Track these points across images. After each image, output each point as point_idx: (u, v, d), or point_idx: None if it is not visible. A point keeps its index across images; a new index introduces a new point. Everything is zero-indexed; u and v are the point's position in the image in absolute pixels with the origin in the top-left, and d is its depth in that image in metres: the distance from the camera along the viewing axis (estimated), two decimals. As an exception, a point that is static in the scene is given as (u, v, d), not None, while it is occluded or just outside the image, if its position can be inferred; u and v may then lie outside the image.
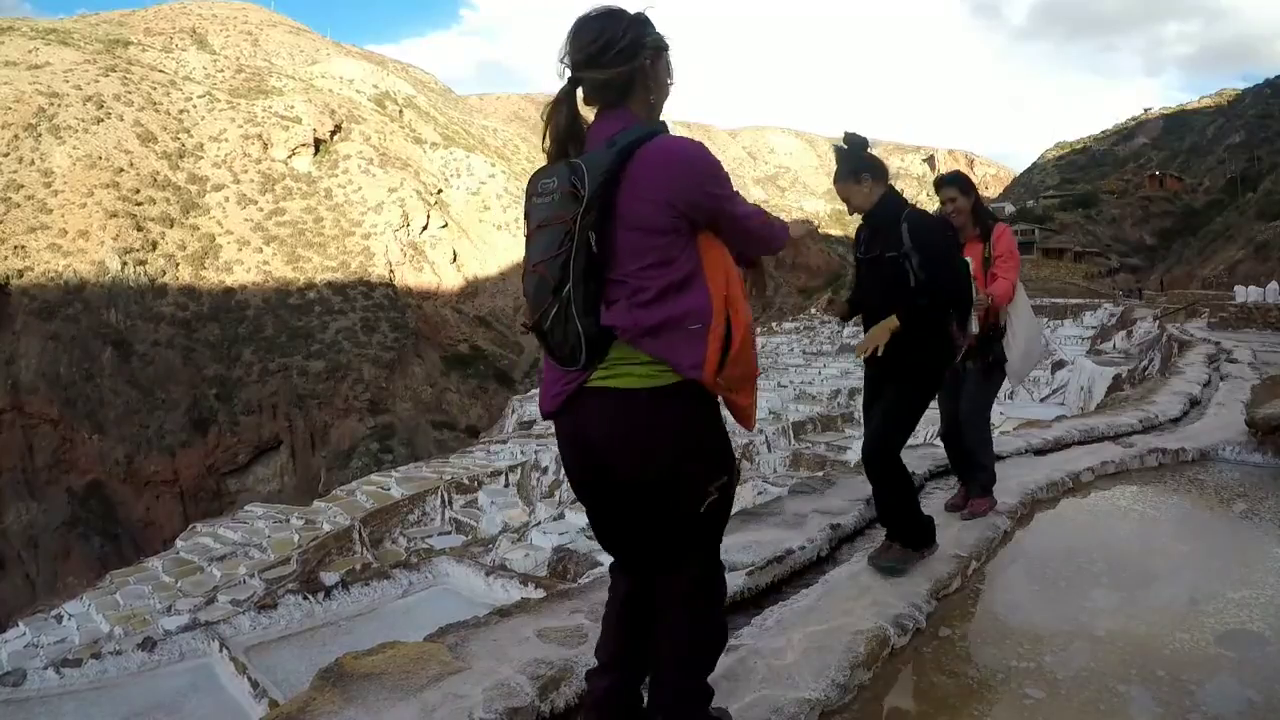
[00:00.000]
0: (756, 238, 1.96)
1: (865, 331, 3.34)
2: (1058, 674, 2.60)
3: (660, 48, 1.91)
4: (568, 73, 1.89)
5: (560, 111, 1.89)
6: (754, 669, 2.44)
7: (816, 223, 2.47)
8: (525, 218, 1.90)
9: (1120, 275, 63.03)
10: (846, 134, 3.39)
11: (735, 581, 3.05)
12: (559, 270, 1.76)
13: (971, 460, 4.13)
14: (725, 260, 1.87)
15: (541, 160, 1.95)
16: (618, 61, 1.85)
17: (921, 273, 3.19)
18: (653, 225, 1.78)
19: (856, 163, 3.35)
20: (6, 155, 61.91)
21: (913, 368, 3.27)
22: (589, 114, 1.93)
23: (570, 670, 2.41)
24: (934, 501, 4.31)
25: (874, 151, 3.48)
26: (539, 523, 17.17)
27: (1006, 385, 4.88)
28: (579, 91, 1.90)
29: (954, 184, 4.03)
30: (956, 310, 3.36)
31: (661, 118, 1.96)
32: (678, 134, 1.88)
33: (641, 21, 1.89)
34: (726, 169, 1.92)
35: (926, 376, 3.33)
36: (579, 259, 1.74)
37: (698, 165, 1.82)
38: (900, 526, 3.36)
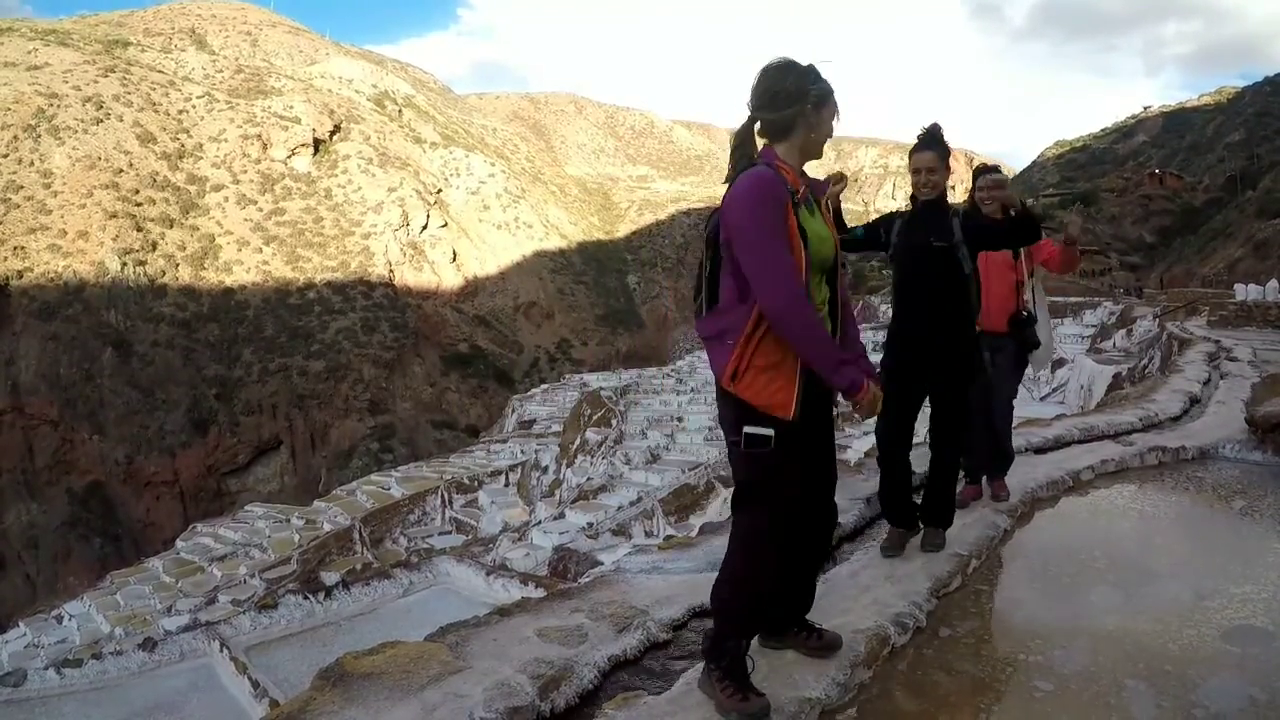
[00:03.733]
0: (754, 286, 2.23)
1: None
2: (1063, 670, 2.60)
3: (823, 97, 2.34)
4: (748, 111, 2.37)
5: (740, 142, 2.36)
6: (755, 668, 2.44)
7: None
8: None
9: (1117, 273, 62.84)
10: (934, 124, 3.56)
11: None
12: (694, 285, 2.42)
13: (998, 446, 4.35)
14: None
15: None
16: (783, 106, 2.31)
17: (973, 263, 3.51)
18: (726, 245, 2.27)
19: (945, 150, 3.53)
20: (6, 156, 61.88)
21: (966, 363, 3.51)
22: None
23: (571, 670, 2.40)
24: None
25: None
26: (539, 522, 17.14)
27: None
28: (756, 126, 2.38)
29: (998, 173, 4.32)
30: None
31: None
32: (757, 168, 2.29)
33: (809, 73, 2.33)
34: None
35: (970, 366, 3.57)
36: (704, 277, 2.37)
37: (734, 194, 2.26)
38: (949, 511, 3.63)
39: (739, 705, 2.17)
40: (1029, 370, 4.59)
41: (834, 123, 2.39)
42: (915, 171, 3.54)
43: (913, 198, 3.61)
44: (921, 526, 3.60)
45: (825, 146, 2.43)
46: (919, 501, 3.65)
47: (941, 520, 3.59)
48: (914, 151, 3.55)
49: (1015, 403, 4.44)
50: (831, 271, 2.42)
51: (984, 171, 4.27)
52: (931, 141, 3.50)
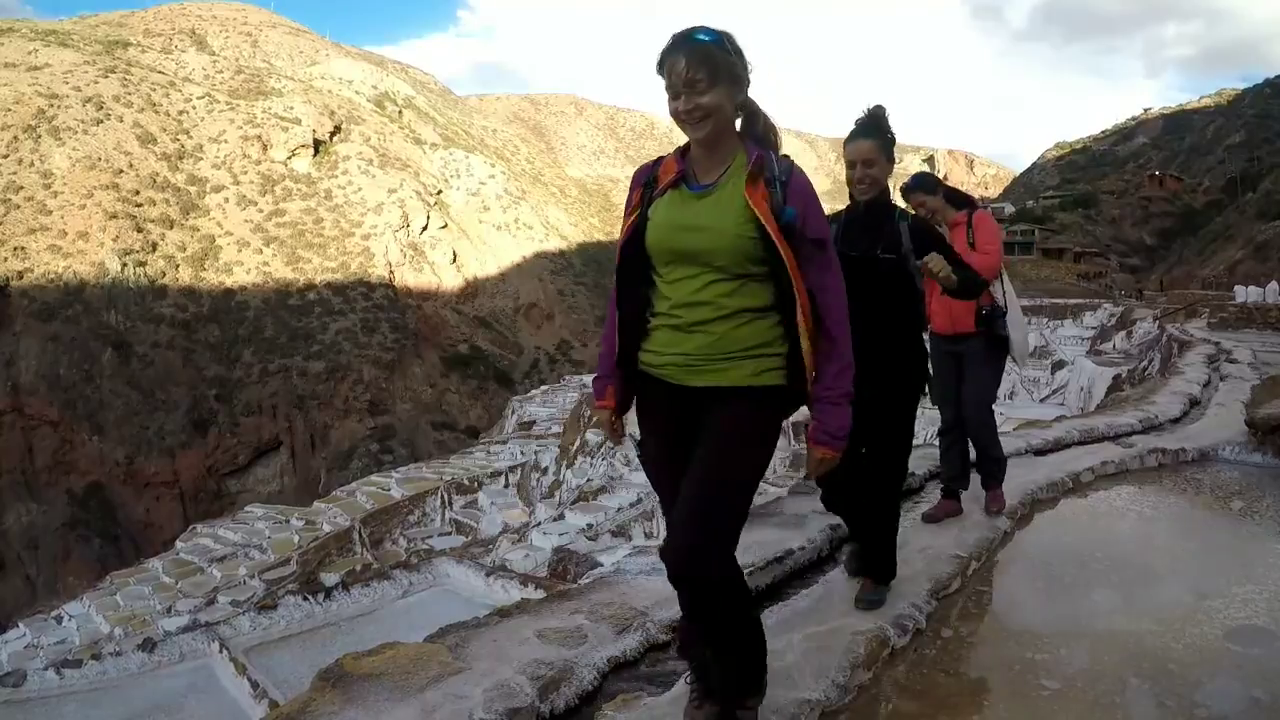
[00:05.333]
0: None
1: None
2: (1066, 670, 2.60)
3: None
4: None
5: None
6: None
7: None
8: None
9: (1116, 275, 62.77)
10: (876, 106, 2.96)
11: (736, 582, 3.02)
12: None
13: (985, 453, 4.05)
14: None
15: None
16: None
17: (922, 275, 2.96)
18: None
19: (888, 138, 2.90)
20: (6, 157, 61.93)
21: (910, 389, 3.01)
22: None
23: (570, 671, 2.40)
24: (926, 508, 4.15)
25: None
26: (539, 523, 17.14)
27: (1005, 384, 4.87)
28: None
29: (919, 189, 3.89)
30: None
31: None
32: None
33: None
34: None
35: (916, 396, 3.06)
36: None
37: None
38: (887, 562, 3.01)
39: (690, 711, 2.14)
40: (1016, 370, 4.41)
41: (672, 100, 1.97)
42: (850, 165, 2.90)
43: (851, 198, 2.98)
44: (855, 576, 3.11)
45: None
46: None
47: (880, 574, 2.97)
48: (849, 140, 2.89)
49: (1016, 404, 4.35)
50: (698, 266, 1.95)
51: (910, 191, 3.87)
52: (870, 129, 2.87)
